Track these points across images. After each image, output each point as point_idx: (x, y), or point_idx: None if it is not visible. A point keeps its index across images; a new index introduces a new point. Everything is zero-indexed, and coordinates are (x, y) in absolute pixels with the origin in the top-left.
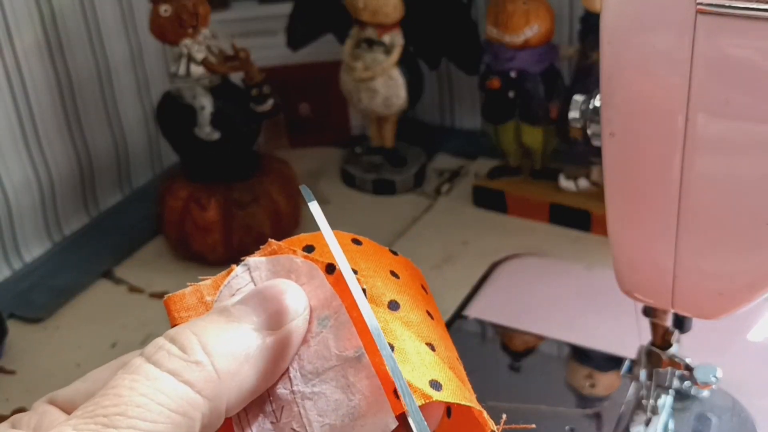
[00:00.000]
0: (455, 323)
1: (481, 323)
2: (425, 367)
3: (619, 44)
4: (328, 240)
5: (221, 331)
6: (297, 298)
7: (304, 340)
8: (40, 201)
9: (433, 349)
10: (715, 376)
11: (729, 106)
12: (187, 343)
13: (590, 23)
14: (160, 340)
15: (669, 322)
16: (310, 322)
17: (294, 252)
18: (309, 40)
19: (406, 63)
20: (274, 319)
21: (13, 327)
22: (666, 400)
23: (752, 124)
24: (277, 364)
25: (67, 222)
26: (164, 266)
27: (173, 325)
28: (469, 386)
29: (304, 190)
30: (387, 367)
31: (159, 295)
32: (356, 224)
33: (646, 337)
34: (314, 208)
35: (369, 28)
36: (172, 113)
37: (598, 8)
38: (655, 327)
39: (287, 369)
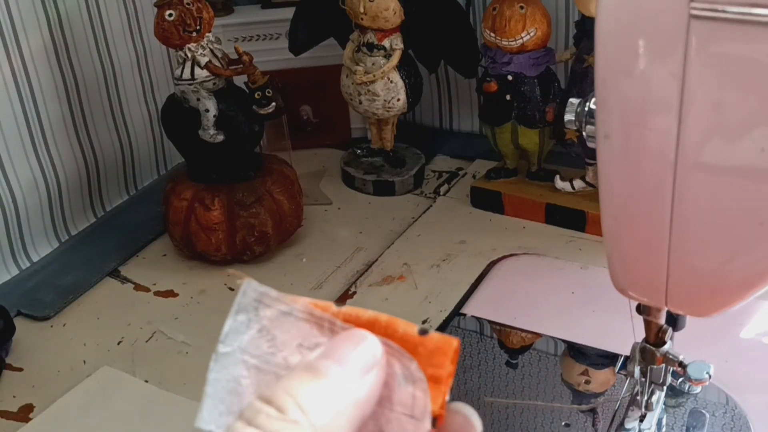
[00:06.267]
0: (453, 321)
1: (479, 321)
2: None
3: (613, 48)
4: None
5: (312, 388)
6: (374, 345)
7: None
8: (47, 201)
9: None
10: (708, 373)
11: (722, 108)
12: (283, 403)
13: (585, 27)
14: (257, 404)
15: (663, 319)
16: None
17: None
18: (310, 44)
19: (405, 67)
20: (358, 368)
21: (20, 325)
22: (660, 397)
23: (745, 126)
24: (365, 411)
25: (73, 222)
26: (169, 265)
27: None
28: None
29: None
30: None
31: (164, 294)
32: (357, 224)
33: (640, 334)
34: None
35: (369, 33)
36: (176, 116)
37: (593, 12)
38: (649, 325)
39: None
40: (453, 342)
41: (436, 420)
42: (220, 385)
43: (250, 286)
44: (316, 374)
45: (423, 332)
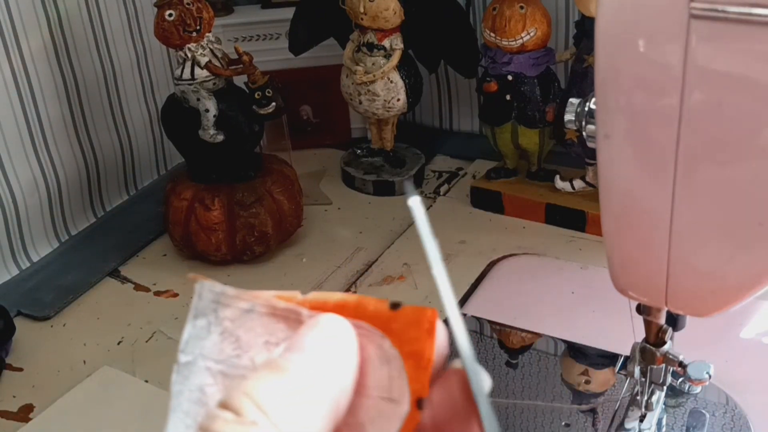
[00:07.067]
0: None
1: (479, 321)
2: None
3: (613, 48)
4: (425, 242)
5: (271, 384)
6: (342, 329)
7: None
8: (47, 201)
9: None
10: (708, 373)
11: (722, 108)
12: (240, 405)
13: (585, 27)
14: (214, 410)
15: (663, 319)
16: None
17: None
18: (310, 44)
19: (405, 67)
20: (323, 356)
21: (21, 325)
22: (660, 397)
23: (745, 127)
24: (339, 402)
25: (73, 222)
26: (169, 265)
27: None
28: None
29: (407, 185)
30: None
31: (164, 294)
32: (357, 224)
33: (640, 334)
34: (414, 203)
35: (369, 33)
36: (176, 116)
37: (593, 13)
38: (649, 325)
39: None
40: (426, 312)
41: (422, 401)
42: (183, 396)
43: (204, 288)
44: (275, 369)
45: (395, 306)
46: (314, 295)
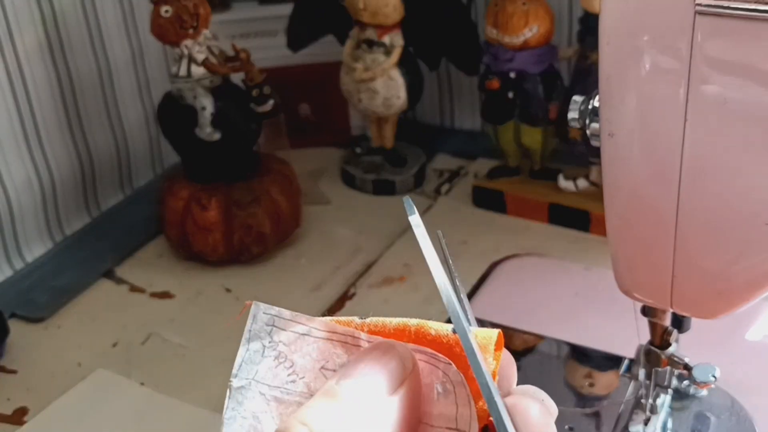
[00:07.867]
0: None
1: (481, 323)
2: None
3: (617, 45)
4: (430, 264)
5: (331, 413)
6: (403, 355)
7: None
8: (42, 201)
9: None
10: (713, 376)
11: (727, 106)
12: None
13: (589, 24)
14: None
15: (668, 321)
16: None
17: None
18: (309, 41)
19: (406, 64)
20: (384, 384)
21: (15, 327)
22: (665, 400)
23: (751, 125)
24: (405, 424)
25: (68, 222)
26: (165, 266)
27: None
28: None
29: (407, 202)
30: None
31: (160, 295)
32: (356, 224)
33: (645, 336)
34: (415, 222)
35: (369, 29)
36: (172, 114)
37: (597, 9)
38: (653, 326)
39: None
40: (492, 335)
41: (487, 428)
42: (236, 423)
43: (259, 310)
44: (330, 396)
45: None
46: (373, 319)
